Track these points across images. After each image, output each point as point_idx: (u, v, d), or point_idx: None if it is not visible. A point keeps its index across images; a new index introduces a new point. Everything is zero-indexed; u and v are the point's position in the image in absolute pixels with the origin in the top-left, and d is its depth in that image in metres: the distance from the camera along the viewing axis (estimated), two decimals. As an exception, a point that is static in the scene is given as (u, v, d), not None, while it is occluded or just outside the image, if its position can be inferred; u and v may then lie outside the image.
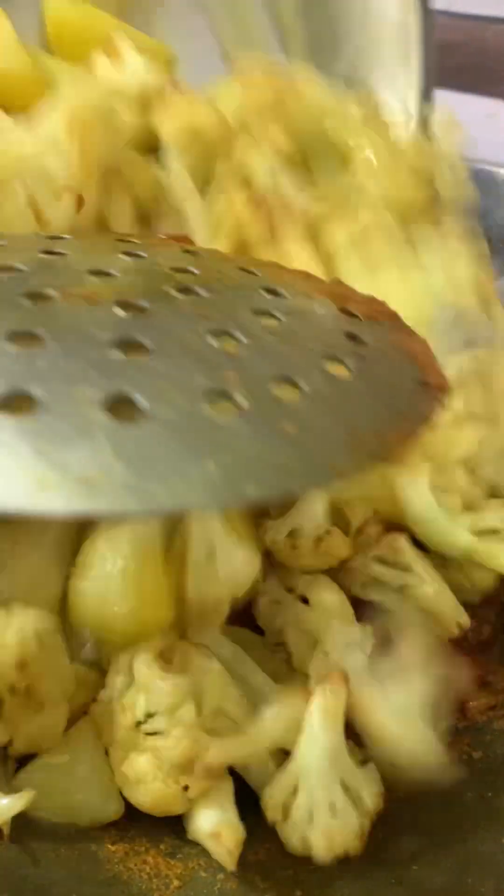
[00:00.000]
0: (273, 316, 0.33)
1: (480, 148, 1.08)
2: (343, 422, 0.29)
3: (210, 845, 0.40)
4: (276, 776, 0.41)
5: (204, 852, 0.41)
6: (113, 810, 0.42)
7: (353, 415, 0.30)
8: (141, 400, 0.27)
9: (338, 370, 0.31)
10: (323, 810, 0.39)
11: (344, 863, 0.40)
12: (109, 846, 0.41)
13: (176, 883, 0.40)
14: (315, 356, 0.31)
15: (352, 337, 0.34)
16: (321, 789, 0.39)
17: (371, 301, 0.38)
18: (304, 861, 0.40)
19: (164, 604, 0.42)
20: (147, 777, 0.40)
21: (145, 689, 0.40)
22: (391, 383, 0.33)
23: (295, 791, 0.40)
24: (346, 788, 0.40)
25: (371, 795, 0.41)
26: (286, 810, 0.41)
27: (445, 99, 1.08)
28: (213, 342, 0.30)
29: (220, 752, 0.39)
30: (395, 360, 0.34)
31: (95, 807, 0.41)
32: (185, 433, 0.26)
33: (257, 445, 0.27)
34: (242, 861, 0.39)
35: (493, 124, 1.12)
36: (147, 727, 0.40)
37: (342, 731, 0.40)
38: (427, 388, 0.33)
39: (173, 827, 0.41)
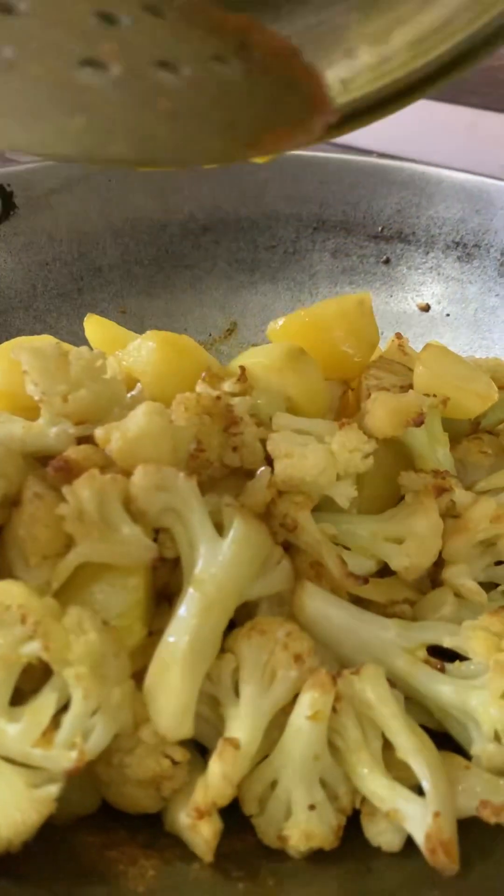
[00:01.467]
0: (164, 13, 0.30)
1: (460, 157, 1.10)
2: (220, 111, 0.29)
3: (187, 837, 0.41)
4: (254, 769, 0.41)
5: (180, 843, 0.41)
6: (90, 804, 0.42)
7: (231, 108, 0.30)
8: (10, 54, 0.27)
9: (224, 69, 0.30)
10: (301, 806, 0.40)
11: (316, 852, 0.41)
12: (87, 837, 0.41)
13: (152, 872, 0.40)
14: (203, 52, 0.30)
15: (244, 47, 0.31)
16: (301, 785, 0.40)
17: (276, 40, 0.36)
18: (278, 851, 0.41)
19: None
20: (118, 781, 0.40)
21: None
22: (275, 94, 0.31)
23: (273, 785, 0.41)
24: (325, 785, 0.41)
25: (348, 793, 0.41)
26: (263, 804, 0.41)
27: (426, 108, 1.10)
28: (95, 20, 0.28)
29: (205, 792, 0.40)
30: (283, 78, 0.32)
31: (73, 801, 0.41)
32: (54, 89, 0.27)
33: (128, 111, 0.28)
34: (218, 852, 0.40)
35: (472, 134, 1.15)
36: (111, 745, 0.40)
37: (326, 728, 0.40)
38: (311, 109, 0.32)
39: (150, 818, 0.42)
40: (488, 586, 0.52)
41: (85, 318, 0.60)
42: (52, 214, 0.72)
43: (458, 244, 0.76)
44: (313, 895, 0.39)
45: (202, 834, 0.40)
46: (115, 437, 0.46)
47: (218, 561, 0.41)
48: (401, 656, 0.45)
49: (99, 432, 0.46)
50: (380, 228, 0.79)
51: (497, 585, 0.53)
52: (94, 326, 0.60)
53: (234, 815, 0.41)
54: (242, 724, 0.40)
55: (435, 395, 0.52)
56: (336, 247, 0.79)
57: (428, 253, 0.77)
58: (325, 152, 0.81)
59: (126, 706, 0.38)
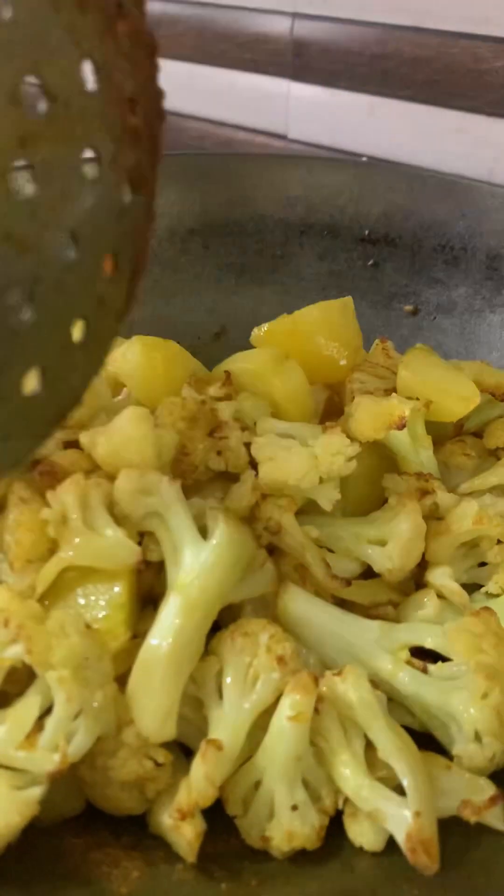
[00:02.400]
0: None
1: (449, 162, 1.11)
2: None
3: (171, 838, 0.41)
4: (238, 770, 0.42)
5: (164, 844, 0.42)
6: (74, 806, 0.43)
7: None
8: None
9: None
10: (284, 807, 0.41)
11: (299, 853, 0.41)
12: (70, 838, 0.41)
13: (135, 874, 0.41)
14: None
15: None
16: (284, 786, 0.41)
17: None
18: (261, 851, 0.42)
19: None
20: (102, 783, 0.41)
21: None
22: None
23: (257, 786, 0.41)
24: (308, 786, 0.41)
25: (330, 794, 0.42)
26: (246, 805, 0.42)
27: (413, 112, 1.11)
28: None
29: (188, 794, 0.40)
30: None
31: (58, 803, 0.42)
32: None
33: None
34: (202, 853, 0.41)
35: (460, 137, 1.15)
36: (94, 747, 0.40)
37: (308, 729, 0.41)
38: None
39: (135, 820, 0.42)
40: (471, 587, 0.53)
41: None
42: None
43: (444, 247, 0.76)
44: (295, 895, 0.40)
45: (185, 835, 0.40)
46: (100, 441, 0.46)
47: (201, 564, 0.41)
48: (383, 657, 0.45)
49: (84, 437, 0.47)
50: (366, 232, 0.79)
51: (480, 587, 0.53)
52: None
53: (217, 817, 0.41)
54: (225, 726, 0.41)
55: (418, 399, 0.52)
56: (323, 250, 0.80)
57: (415, 256, 0.77)
58: (312, 156, 0.82)
59: (109, 709, 0.39)
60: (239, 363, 0.54)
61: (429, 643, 0.46)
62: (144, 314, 0.75)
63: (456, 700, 0.43)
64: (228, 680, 0.42)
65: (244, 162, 0.81)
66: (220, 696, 0.42)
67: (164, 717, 0.40)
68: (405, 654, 0.46)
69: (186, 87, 1.28)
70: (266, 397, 0.53)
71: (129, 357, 0.54)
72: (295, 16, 1.16)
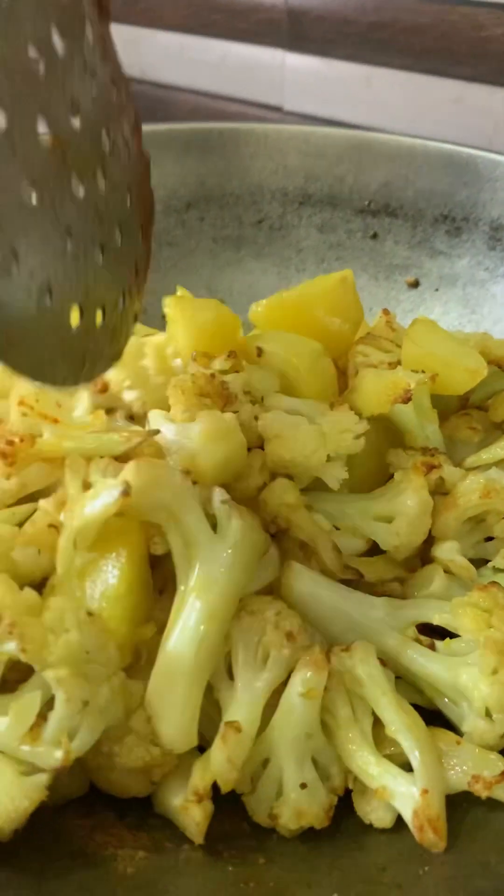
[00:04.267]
0: None
1: (446, 130, 1.08)
2: None
3: (179, 819, 0.40)
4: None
5: (169, 824, 0.41)
6: (78, 787, 0.42)
7: None
8: None
9: None
10: (293, 785, 0.40)
11: (308, 831, 0.41)
12: (75, 820, 0.41)
13: (141, 853, 0.40)
14: None
15: None
16: (293, 763, 0.40)
17: None
18: (269, 832, 0.41)
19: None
20: (107, 768, 0.40)
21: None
22: None
23: (265, 763, 0.41)
24: (317, 764, 0.41)
25: (340, 773, 0.41)
26: (254, 782, 0.41)
27: (412, 81, 1.08)
28: None
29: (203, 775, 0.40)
30: None
31: (61, 785, 0.41)
32: None
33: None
34: (208, 834, 0.40)
35: (459, 107, 1.13)
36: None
37: (319, 706, 0.40)
38: None
39: (140, 800, 0.42)
40: (478, 562, 0.52)
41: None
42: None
43: (446, 217, 0.75)
44: (304, 872, 0.39)
45: (193, 816, 0.39)
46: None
47: (219, 567, 0.40)
48: (391, 635, 0.45)
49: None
50: (367, 202, 0.77)
51: (487, 561, 0.52)
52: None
53: (223, 797, 0.41)
54: (241, 707, 0.40)
55: (423, 372, 0.51)
56: (322, 222, 0.78)
57: (416, 227, 0.76)
58: (309, 125, 0.80)
59: (115, 701, 0.38)
60: (272, 346, 0.52)
61: (436, 619, 0.45)
62: (140, 289, 0.74)
63: (465, 676, 0.42)
64: (239, 660, 0.41)
65: (240, 132, 0.79)
66: (231, 676, 0.41)
67: (188, 727, 0.40)
68: (412, 632, 0.45)
69: (178, 58, 1.25)
70: (276, 370, 0.51)
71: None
72: (290, -18, 1.14)
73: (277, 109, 1.22)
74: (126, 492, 0.38)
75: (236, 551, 0.41)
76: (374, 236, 0.78)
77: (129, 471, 0.39)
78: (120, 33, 1.00)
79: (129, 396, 0.51)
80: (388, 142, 0.77)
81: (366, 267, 0.77)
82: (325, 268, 0.78)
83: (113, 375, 0.51)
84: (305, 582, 0.45)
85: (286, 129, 0.79)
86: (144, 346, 0.49)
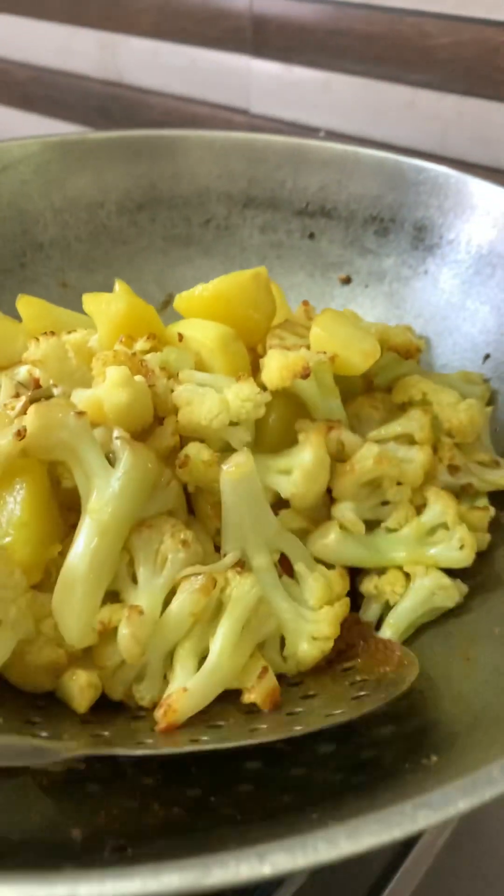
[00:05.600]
0: None
1: (400, 132, 1.15)
2: None
3: (67, 690, 0.48)
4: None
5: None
6: None
7: None
8: None
9: None
10: (156, 675, 0.49)
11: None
12: None
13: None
14: None
15: None
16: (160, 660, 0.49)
17: None
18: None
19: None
20: (18, 664, 0.47)
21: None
22: None
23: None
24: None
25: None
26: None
27: (367, 87, 1.15)
28: None
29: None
30: None
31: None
32: None
33: None
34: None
35: (411, 111, 1.19)
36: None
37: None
38: None
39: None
40: (375, 524, 0.59)
41: (17, 298, 0.65)
42: (-7, 194, 0.78)
43: (375, 218, 0.81)
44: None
45: (77, 681, 0.47)
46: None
47: (110, 491, 0.48)
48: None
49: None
50: (304, 205, 0.84)
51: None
52: (25, 306, 0.66)
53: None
54: (142, 596, 0.48)
55: (325, 353, 0.58)
56: (264, 223, 0.85)
57: (348, 228, 0.83)
58: (253, 132, 0.86)
59: (25, 616, 0.45)
60: (190, 331, 0.60)
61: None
62: (95, 284, 0.81)
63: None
64: (140, 565, 0.48)
65: (189, 139, 0.86)
66: (135, 581, 0.49)
67: (85, 629, 0.47)
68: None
69: (150, 63, 1.32)
70: (190, 350, 0.59)
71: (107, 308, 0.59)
72: (253, -7, 1.20)
73: (244, 112, 1.28)
74: (21, 433, 0.46)
75: (126, 477, 0.48)
76: (311, 236, 0.85)
77: (28, 415, 0.47)
78: (98, 38, 1.11)
79: (56, 392, 0.58)
80: (324, 148, 0.83)
81: (303, 265, 0.84)
82: (266, 264, 0.84)
83: (41, 377, 0.58)
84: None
85: (231, 136, 0.85)
86: (66, 344, 0.56)
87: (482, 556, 0.58)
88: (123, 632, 0.46)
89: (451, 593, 0.55)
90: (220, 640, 0.47)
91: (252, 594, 0.48)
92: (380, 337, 0.61)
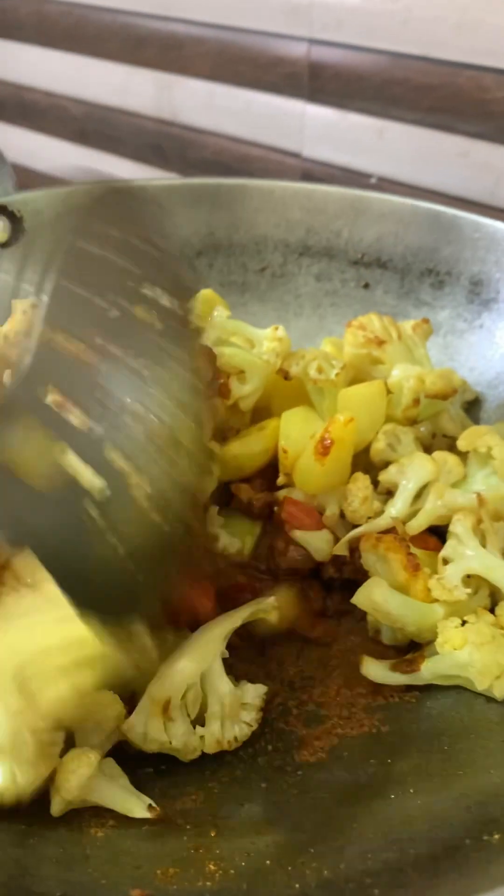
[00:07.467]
0: None
1: (451, 182, 1.15)
2: None
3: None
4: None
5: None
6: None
7: None
8: None
9: None
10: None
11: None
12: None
13: (111, 821, 0.47)
14: None
15: None
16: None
17: None
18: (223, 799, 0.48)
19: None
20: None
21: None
22: None
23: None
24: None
25: None
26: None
27: (422, 135, 1.15)
28: None
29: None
30: None
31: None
32: None
33: None
34: (171, 808, 0.47)
35: (464, 161, 1.20)
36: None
37: None
38: None
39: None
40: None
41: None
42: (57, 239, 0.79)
43: (431, 272, 0.82)
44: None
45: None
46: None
47: None
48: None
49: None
50: (360, 255, 0.85)
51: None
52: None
53: (182, 773, 0.47)
54: None
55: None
56: (320, 271, 0.86)
57: (404, 279, 0.83)
58: (312, 183, 0.88)
59: None
60: None
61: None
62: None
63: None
64: None
65: (248, 187, 0.87)
66: None
67: None
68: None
69: (207, 105, 1.35)
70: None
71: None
72: (311, 41, 1.22)
73: (296, 156, 1.30)
74: None
75: None
76: (366, 286, 0.85)
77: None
78: (155, 79, 1.13)
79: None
80: (382, 200, 0.84)
81: (357, 313, 0.84)
82: (320, 312, 0.85)
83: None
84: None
85: (290, 186, 0.86)
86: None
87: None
88: None
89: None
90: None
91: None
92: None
